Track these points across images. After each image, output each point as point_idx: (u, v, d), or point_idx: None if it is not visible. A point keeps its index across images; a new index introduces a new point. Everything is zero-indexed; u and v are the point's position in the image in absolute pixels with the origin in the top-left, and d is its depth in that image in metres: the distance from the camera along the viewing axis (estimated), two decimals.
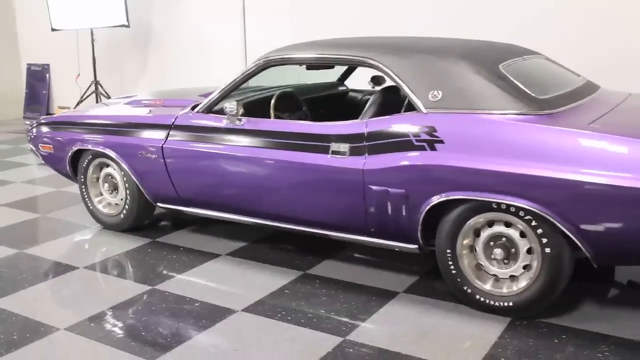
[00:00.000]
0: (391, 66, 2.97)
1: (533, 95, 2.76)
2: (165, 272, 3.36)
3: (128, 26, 7.62)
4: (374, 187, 2.89)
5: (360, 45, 3.18)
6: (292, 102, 3.83)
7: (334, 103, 4.35)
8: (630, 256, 2.55)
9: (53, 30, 7.61)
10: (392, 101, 3.24)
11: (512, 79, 2.83)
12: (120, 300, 2.99)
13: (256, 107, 3.60)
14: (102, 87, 7.95)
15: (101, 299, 3.02)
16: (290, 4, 6.77)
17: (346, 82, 4.61)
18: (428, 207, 2.77)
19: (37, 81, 9.18)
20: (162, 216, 4.24)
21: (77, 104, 7.96)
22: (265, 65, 3.35)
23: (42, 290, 3.13)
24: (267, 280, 3.20)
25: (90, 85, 7.92)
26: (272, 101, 3.58)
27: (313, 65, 3.49)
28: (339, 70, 4.51)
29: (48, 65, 9.02)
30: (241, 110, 3.29)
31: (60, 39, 8.30)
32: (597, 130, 2.52)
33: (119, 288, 3.15)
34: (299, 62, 3.32)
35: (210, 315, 2.83)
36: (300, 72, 4.06)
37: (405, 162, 2.79)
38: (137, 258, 3.57)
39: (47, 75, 9.07)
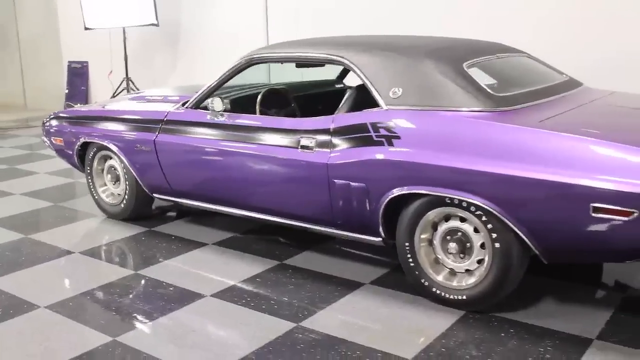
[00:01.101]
0: (357, 64, 3.07)
1: (491, 92, 2.81)
2: (151, 258, 3.56)
3: (157, 25, 7.94)
4: (337, 181, 2.99)
5: (331, 44, 3.29)
6: (280, 99, 3.96)
7: (330, 100, 4.45)
8: (576, 253, 2.57)
9: (86, 29, 7.98)
10: (367, 97, 3.34)
11: (473, 77, 2.88)
12: (102, 283, 3.20)
13: (245, 104, 3.75)
14: (133, 83, 8.29)
15: (85, 281, 3.23)
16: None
17: (346, 80, 4.72)
18: (386, 201, 2.85)
19: (77, 78, 9.63)
20: (167, 207, 4.46)
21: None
22: (247, 63, 3.49)
23: (35, 272, 3.37)
24: (244, 268, 3.35)
25: (122, 82, 8.27)
26: (259, 98, 3.73)
27: (298, 63, 3.61)
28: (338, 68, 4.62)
29: (87, 62, 9.45)
30: (222, 106, 3.45)
31: (97, 38, 8.69)
32: (543, 127, 2.55)
33: (105, 272, 3.36)
34: (276, 60, 3.45)
35: (179, 299, 3.01)
36: (302, 70, 4.21)
37: (365, 157, 2.88)
38: (129, 245, 3.79)
39: (86, 72, 9.51)
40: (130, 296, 3.05)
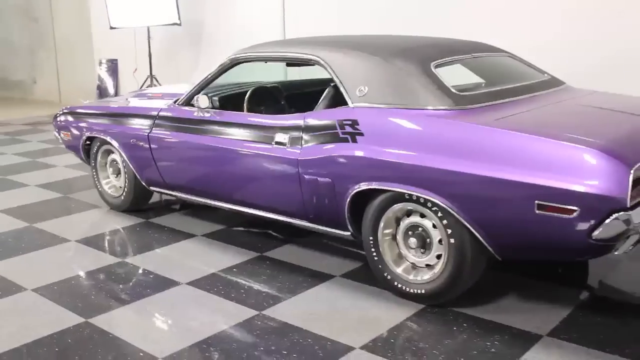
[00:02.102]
0: (329, 62, 3.16)
1: (454, 92, 2.87)
2: (140, 247, 3.74)
3: (180, 24, 8.17)
4: (307, 176, 3.09)
5: (307, 43, 3.39)
6: (269, 97, 4.08)
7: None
8: (526, 250, 2.61)
9: (111, 28, 8.28)
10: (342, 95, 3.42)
11: (438, 76, 2.94)
12: (89, 269, 3.39)
13: (237, 102, 3.88)
14: (157, 80, 8.56)
15: (73, 267, 3.42)
16: None
17: None
18: (350, 197, 2.94)
19: (107, 74, 9.97)
20: (169, 200, 4.64)
21: None
22: (231, 63, 3.63)
23: (30, 258, 3.59)
24: (225, 259, 3.49)
25: (146, 80, 8.55)
26: (247, 96, 3.86)
27: (280, 62, 3.72)
28: None
29: (116, 60, 9.78)
30: (207, 103, 3.59)
31: (125, 37, 8.99)
32: (495, 126, 2.59)
33: (95, 259, 3.54)
34: (258, 59, 3.57)
35: (156, 285, 3.16)
36: (301, 70, 4.31)
37: (331, 153, 2.97)
38: (123, 235, 3.98)
39: (115, 69, 9.84)
40: (111, 282, 3.23)
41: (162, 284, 3.19)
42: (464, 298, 2.86)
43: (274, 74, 5.41)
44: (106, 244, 3.81)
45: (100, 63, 10.00)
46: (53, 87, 11.16)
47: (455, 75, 3.62)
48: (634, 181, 2.32)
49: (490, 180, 2.48)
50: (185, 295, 3.05)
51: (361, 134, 2.89)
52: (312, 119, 3.12)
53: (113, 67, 9.91)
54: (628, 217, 2.26)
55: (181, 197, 4.01)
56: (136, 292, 3.09)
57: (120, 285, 3.18)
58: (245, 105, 3.82)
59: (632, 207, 2.33)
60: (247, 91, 3.98)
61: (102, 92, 10.04)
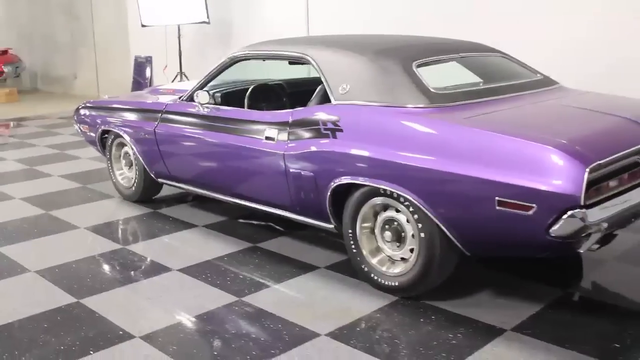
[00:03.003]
0: (317, 60, 3.27)
1: (431, 90, 2.94)
2: (143, 236, 3.94)
3: (208, 22, 8.40)
4: (292, 170, 3.21)
5: (299, 42, 3.51)
6: (272, 94, 4.22)
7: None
8: (491, 246, 2.67)
9: (143, 26, 8.57)
10: None
11: (418, 75, 3.01)
12: (92, 254, 3.59)
13: (239, 98, 4.03)
14: (187, 77, 8.81)
15: (78, 252, 3.62)
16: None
17: None
18: (330, 190, 3.04)
19: (142, 71, 10.29)
20: (179, 192, 4.83)
21: None
22: (231, 61, 3.79)
23: (40, 242, 3.82)
24: (219, 248, 3.64)
25: (176, 76, 8.81)
26: (248, 92, 4.00)
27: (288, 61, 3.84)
28: None
29: (151, 57, 10.09)
30: (207, 99, 3.74)
31: (158, 34, 9.29)
32: (463, 124, 2.65)
33: (98, 245, 3.75)
34: (255, 57, 3.71)
35: (149, 271, 3.34)
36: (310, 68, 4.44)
37: (314, 148, 3.09)
38: (129, 223, 4.19)
39: (150, 66, 10.16)
40: (109, 266, 3.42)
41: (155, 269, 3.36)
42: (438, 291, 2.93)
43: (296, 71, 5.58)
44: (112, 232, 4.02)
45: (136, 59, 10.35)
46: (92, 82, 11.59)
47: (455, 74, 3.72)
48: (593, 180, 2.36)
49: (455, 176, 2.54)
50: (174, 280, 3.22)
51: (341, 130, 2.99)
52: (298, 116, 3.23)
53: (147, 64, 10.24)
54: (583, 215, 2.30)
55: (186, 189, 4.19)
56: (129, 277, 3.27)
57: (116, 270, 3.37)
58: (245, 101, 3.96)
59: (591, 205, 2.37)
60: (247, 89, 4.13)
61: (136, 87, 10.38)
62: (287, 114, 3.30)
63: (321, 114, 3.11)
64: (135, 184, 4.54)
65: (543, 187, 2.32)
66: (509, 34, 5.80)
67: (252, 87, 4.04)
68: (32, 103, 10.94)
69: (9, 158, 6.30)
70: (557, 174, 2.32)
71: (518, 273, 3.20)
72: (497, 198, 2.44)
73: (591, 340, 2.53)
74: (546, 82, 3.49)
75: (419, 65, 3.09)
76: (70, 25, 11.85)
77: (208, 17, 8.37)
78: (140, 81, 10.28)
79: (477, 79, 3.69)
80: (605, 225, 2.42)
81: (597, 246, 2.62)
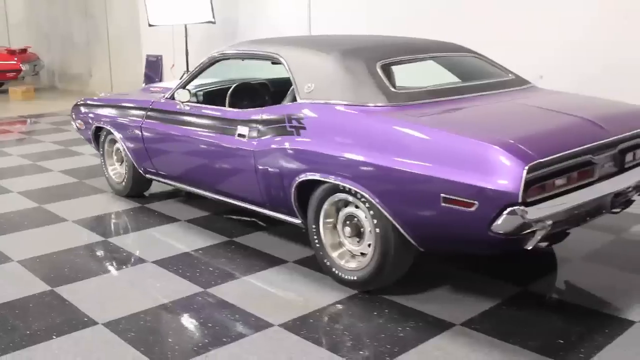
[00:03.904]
0: (286, 60, 3.36)
1: (391, 90, 3.01)
2: (126, 229, 4.08)
3: (214, 22, 8.54)
4: (260, 167, 3.31)
5: (273, 42, 3.61)
6: (254, 93, 4.31)
7: None
8: (441, 242, 2.73)
9: (150, 25, 8.74)
10: None
11: (380, 74, 3.08)
12: (74, 246, 3.73)
13: (222, 96, 4.14)
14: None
15: (61, 244, 3.76)
16: None
17: None
18: (294, 186, 3.13)
19: (153, 69, 10.50)
20: (170, 188, 4.97)
21: None
22: (211, 60, 3.90)
23: (27, 234, 3.98)
24: (196, 242, 3.76)
25: (182, 74, 8.97)
26: (229, 91, 4.10)
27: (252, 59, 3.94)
28: None
29: (161, 56, 10.29)
30: (187, 97, 3.86)
31: (168, 34, 9.47)
32: (413, 122, 2.72)
33: (82, 237, 3.89)
34: (234, 57, 3.81)
35: (125, 262, 3.48)
36: None
37: (279, 145, 3.18)
38: (115, 217, 4.33)
39: (160, 65, 10.36)
40: (88, 258, 3.56)
41: (131, 261, 3.49)
42: (398, 286, 3.00)
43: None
44: (97, 225, 4.16)
45: (147, 58, 10.55)
46: (106, 81, 11.84)
47: (436, 73, 3.79)
48: (535, 178, 2.41)
49: (403, 173, 2.61)
50: (146, 272, 3.34)
51: (304, 128, 3.08)
52: (267, 114, 3.33)
53: (158, 62, 10.43)
54: (523, 212, 2.35)
55: (172, 185, 4.31)
56: (105, 267, 3.41)
57: (94, 261, 3.51)
58: (227, 99, 4.06)
59: (532, 203, 2.42)
60: (228, 87, 4.24)
61: (147, 84, 10.59)
62: (257, 112, 3.40)
63: (287, 112, 3.20)
64: (125, 180, 4.68)
65: (483, 185, 2.38)
66: (507, 35, 5.84)
67: (234, 85, 4.15)
68: (48, 100, 11.22)
69: (15, 154, 6.51)
70: (497, 171, 2.37)
71: (480, 270, 3.26)
72: (442, 195, 2.51)
73: (536, 336, 2.58)
74: (516, 82, 3.53)
75: (383, 65, 3.16)
76: (86, 24, 12.12)
77: (214, 16, 8.51)
78: (151, 79, 10.49)
79: (455, 79, 3.76)
80: (549, 222, 2.47)
81: (545, 244, 2.67)
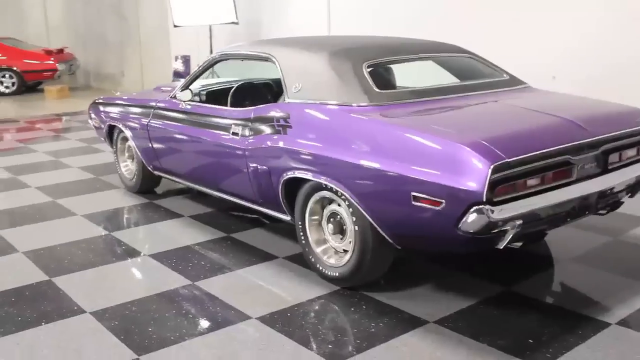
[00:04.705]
0: (279, 60, 3.44)
1: (375, 90, 3.05)
2: (129, 224, 4.23)
3: (237, 23, 8.69)
4: (251, 164, 3.39)
5: (268, 44, 3.69)
6: (257, 92, 4.40)
7: None
8: (414, 240, 2.76)
9: (175, 26, 8.95)
10: None
11: (365, 75, 3.13)
12: (77, 239, 3.88)
13: (224, 96, 4.24)
14: (217, 75, 9.13)
15: (66, 237, 3.92)
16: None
17: None
18: (281, 184, 3.21)
19: (182, 69, 10.74)
20: (180, 185, 5.10)
21: None
22: (213, 60, 4.02)
23: (36, 227, 4.16)
24: (194, 236, 3.87)
25: (207, 75, 9.14)
26: (231, 91, 4.20)
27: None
28: None
29: (189, 56, 10.50)
30: (189, 97, 3.98)
31: (196, 35, 9.67)
32: (388, 121, 2.77)
33: (86, 231, 4.04)
34: (234, 57, 3.91)
35: (122, 255, 3.61)
36: None
37: (268, 144, 3.26)
38: (121, 213, 4.49)
39: (189, 65, 10.58)
40: (88, 250, 3.70)
41: (128, 254, 3.62)
42: (381, 284, 3.05)
43: None
44: (104, 219, 4.32)
45: (176, 58, 10.79)
46: (138, 80, 12.14)
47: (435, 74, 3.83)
48: (503, 177, 2.42)
49: (377, 172, 2.66)
50: (141, 264, 3.47)
51: (290, 127, 3.15)
52: (257, 113, 3.41)
53: (186, 63, 10.65)
54: (488, 211, 2.36)
55: (177, 182, 4.44)
56: (102, 259, 3.54)
57: (94, 253, 3.65)
58: (229, 99, 4.16)
59: (501, 202, 2.43)
60: (231, 87, 4.34)
61: None
62: (249, 111, 3.49)
63: (275, 112, 3.28)
64: (135, 176, 4.84)
65: (450, 183, 2.41)
66: (520, 36, 5.81)
67: (236, 85, 4.25)
68: (81, 99, 11.55)
69: (40, 150, 6.78)
70: (463, 170, 2.40)
71: (467, 270, 3.27)
72: (412, 193, 2.54)
73: (507, 335, 2.59)
74: (509, 83, 3.53)
75: (369, 66, 3.21)
76: (119, 25, 12.46)
77: (237, 17, 8.67)
78: (181, 79, 10.73)
79: (454, 79, 3.77)
80: (519, 222, 2.48)
81: (518, 243, 2.68)
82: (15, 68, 12.28)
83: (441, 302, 2.92)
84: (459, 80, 3.65)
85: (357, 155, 2.76)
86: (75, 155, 6.49)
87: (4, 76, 12.32)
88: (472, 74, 3.57)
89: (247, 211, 4.27)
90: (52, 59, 12.39)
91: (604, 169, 2.87)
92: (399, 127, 2.69)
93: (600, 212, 3.13)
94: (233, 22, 8.69)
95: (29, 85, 12.67)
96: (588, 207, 2.91)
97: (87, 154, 6.52)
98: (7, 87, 12.34)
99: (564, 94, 3.48)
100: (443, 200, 2.45)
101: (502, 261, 3.35)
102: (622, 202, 3.21)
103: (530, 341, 2.54)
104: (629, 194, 3.17)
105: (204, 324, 2.75)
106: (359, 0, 7.41)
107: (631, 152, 3.03)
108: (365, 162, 2.71)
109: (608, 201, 3.04)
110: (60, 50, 12.87)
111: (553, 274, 3.29)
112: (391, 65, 3.83)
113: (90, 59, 13.79)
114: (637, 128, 3.01)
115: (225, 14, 8.69)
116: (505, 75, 3.62)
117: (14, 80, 12.35)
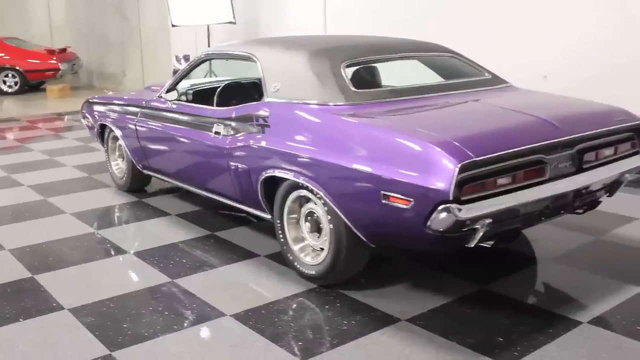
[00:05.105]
0: (260, 60, 3.47)
1: (351, 89, 3.07)
2: (117, 222, 4.28)
3: (234, 23, 8.72)
4: (232, 163, 3.42)
5: (251, 44, 3.72)
6: (243, 92, 4.42)
7: None
8: (387, 238, 2.78)
9: (173, 26, 8.99)
10: None
11: (342, 74, 3.15)
12: (64, 237, 3.93)
13: (211, 95, 4.27)
14: (215, 74, 9.18)
15: (53, 235, 3.97)
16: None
17: None
18: (260, 182, 3.23)
19: (182, 68, 10.79)
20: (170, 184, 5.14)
21: None
22: (199, 60, 4.06)
23: (24, 225, 4.21)
24: (179, 235, 3.90)
25: (206, 74, 9.19)
26: (218, 90, 4.23)
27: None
28: None
29: (189, 55, 10.54)
30: (175, 96, 4.01)
31: (195, 34, 9.71)
32: (360, 121, 2.79)
33: (73, 229, 4.08)
34: (219, 57, 3.94)
35: (106, 253, 3.65)
36: None
37: (247, 143, 3.29)
38: (111, 211, 4.53)
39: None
40: (73, 248, 3.75)
41: (112, 252, 3.66)
42: (358, 282, 3.08)
43: None
44: (92, 218, 4.36)
45: (177, 58, 10.84)
46: (139, 79, 12.20)
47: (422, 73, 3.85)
48: (471, 176, 2.43)
49: (350, 170, 2.68)
50: (124, 262, 3.51)
51: (268, 126, 3.18)
52: (238, 112, 3.44)
53: (186, 62, 10.71)
54: (455, 210, 2.37)
55: (166, 181, 4.48)
56: (86, 257, 3.58)
57: (78, 251, 3.69)
58: (215, 98, 4.19)
59: (470, 201, 2.44)
60: (218, 87, 4.36)
61: None
62: (231, 111, 3.52)
63: (254, 111, 3.30)
64: (125, 175, 4.88)
65: (418, 182, 2.43)
66: (511, 36, 5.81)
67: (222, 85, 4.28)
68: (82, 98, 11.44)
69: (36, 149, 6.84)
70: (431, 169, 2.41)
71: (443, 268, 3.28)
72: (382, 192, 2.56)
73: (477, 333, 2.61)
74: (490, 82, 3.54)
75: (348, 65, 3.23)
76: (120, 25, 12.53)
77: (234, 17, 8.70)
78: None
79: (439, 78, 3.79)
80: (488, 221, 2.49)
81: (490, 242, 2.69)
82: (18, 67, 12.39)
83: (416, 300, 2.93)
84: (442, 80, 3.67)
85: (330, 154, 2.78)
86: (70, 154, 6.55)
87: (7, 75, 12.43)
88: (454, 73, 3.58)
89: (234, 210, 4.29)
90: (54, 58, 12.48)
91: (579, 168, 2.87)
92: (370, 126, 2.71)
93: (577, 211, 3.13)
94: (230, 22, 8.72)
95: (31, 84, 12.77)
96: (563, 206, 2.92)
97: (82, 153, 6.57)
98: (9, 87, 12.45)
99: (545, 93, 3.49)
100: (412, 199, 2.46)
101: (482, 260, 3.36)
102: (600, 202, 3.21)
103: (500, 339, 2.55)
104: (608, 194, 3.18)
105: (179, 320, 2.78)
106: (356, 0, 7.44)
107: (608, 152, 3.03)
108: (337, 161, 2.73)
109: (585, 200, 3.05)
110: (63, 50, 12.96)
111: (532, 273, 3.30)
112: (377, 65, 3.85)
113: (93, 59, 13.88)
114: (614, 127, 3.02)
115: (222, 14, 8.73)
116: (487, 74, 3.63)
117: (17, 79, 12.46)
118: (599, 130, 2.93)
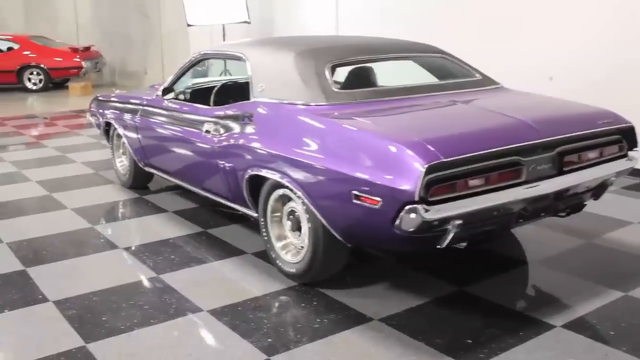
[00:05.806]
0: (250, 61, 3.51)
1: (333, 90, 3.10)
2: (115, 217, 4.37)
3: (249, 22, 8.80)
4: (220, 161, 3.47)
5: (243, 44, 3.77)
6: (240, 91, 4.46)
7: None
8: (360, 238, 2.79)
9: (189, 25, 9.10)
10: None
11: (326, 75, 3.17)
12: (61, 231, 4.03)
13: (209, 94, 4.34)
14: (230, 74, 9.27)
15: (52, 229, 4.07)
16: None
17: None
18: (245, 181, 3.28)
19: (199, 67, 10.91)
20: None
21: None
22: (196, 59, 4.13)
23: (27, 220, 4.33)
24: (172, 231, 3.97)
25: (221, 73, 9.29)
26: (214, 90, 4.29)
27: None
28: None
29: None
30: (171, 95, 4.09)
31: (211, 34, 9.83)
32: (336, 121, 2.81)
33: (72, 224, 4.18)
34: (214, 57, 4.00)
35: (99, 248, 3.73)
36: None
37: (233, 142, 3.34)
38: (111, 207, 4.62)
39: (205, 62, 10.74)
40: (68, 242, 3.84)
41: (104, 247, 3.74)
42: (339, 281, 3.10)
43: None
44: (92, 213, 4.45)
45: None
46: (159, 77, 12.38)
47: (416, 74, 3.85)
48: (440, 177, 2.43)
49: (322, 170, 2.71)
50: (113, 256, 3.59)
51: (252, 126, 3.22)
52: (227, 111, 3.49)
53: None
54: (421, 211, 2.38)
55: (165, 178, 4.56)
56: (79, 252, 3.67)
57: (72, 245, 3.79)
58: (211, 98, 4.26)
59: (438, 202, 2.44)
60: (215, 86, 4.42)
61: None
62: (221, 109, 3.57)
63: (241, 110, 3.35)
64: (128, 172, 4.98)
65: (386, 183, 2.44)
66: (518, 37, 5.75)
67: (220, 84, 4.34)
68: None
69: (50, 146, 7.01)
70: (399, 169, 2.42)
71: (428, 270, 3.27)
72: (353, 192, 2.58)
73: (447, 334, 2.61)
74: (480, 83, 3.52)
75: (333, 66, 3.25)
76: (142, 24, 12.73)
77: (249, 16, 8.78)
78: (196, 76, 10.90)
79: (433, 79, 3.79)
80: (458, 222, 2.49)
81: (463, 244, 2.69)
82: (42, 65, 12.68)
83: (392, 300, 2.94)
84: (434, 80, 3.66)
85: (307, 153, 2.81)
86: (82, 150, 6.69)
87: (32, 73, 12.73)
88: (443, 74, 3.58)
89: (230, 207, 4.35)
90: (77, 56, 12.73)
91: (560, 171, 2.85)
92: (344, 126, 2.73)
93: (560, 214, 3.11)
94: (245, 22, 8.80)
95: (55, 81, 13.06)
96: (543, 209, 2.90)
97: (92, 150, 6.71)
98: (34, 84, 12.74)
99: (533, 95, 3.46)
100: (380, 199, 2.48)
101: (465, 262, 3.35)
102: (585, 205, 3.18)
103: (469, 341, 2.55)
104: (593, 197, 3.14)
105: (156, 314, 2.84)
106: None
107: (592, 154, 2.99)
108: (313, 161, 2.76)
109: (567, 203, 3.02)
110: (87, 48, 13.22)
111: (515, 275, 3.27)
112: (372, 66, 3.86)
113: (116, 57, 14.13)
114: (597, 130, 2.99)
115: (237, 14, 8.81)
116: (477, 75, 3.62)
117: (42, 77, 12.74)
118: (580, 133, 2.90)
